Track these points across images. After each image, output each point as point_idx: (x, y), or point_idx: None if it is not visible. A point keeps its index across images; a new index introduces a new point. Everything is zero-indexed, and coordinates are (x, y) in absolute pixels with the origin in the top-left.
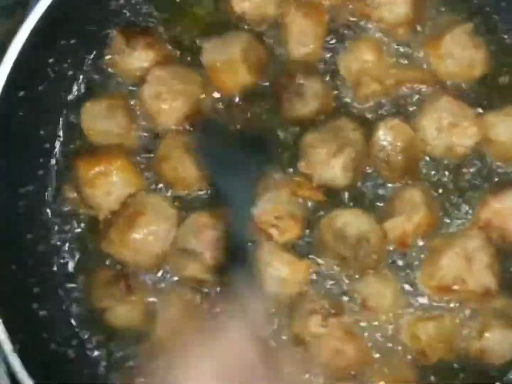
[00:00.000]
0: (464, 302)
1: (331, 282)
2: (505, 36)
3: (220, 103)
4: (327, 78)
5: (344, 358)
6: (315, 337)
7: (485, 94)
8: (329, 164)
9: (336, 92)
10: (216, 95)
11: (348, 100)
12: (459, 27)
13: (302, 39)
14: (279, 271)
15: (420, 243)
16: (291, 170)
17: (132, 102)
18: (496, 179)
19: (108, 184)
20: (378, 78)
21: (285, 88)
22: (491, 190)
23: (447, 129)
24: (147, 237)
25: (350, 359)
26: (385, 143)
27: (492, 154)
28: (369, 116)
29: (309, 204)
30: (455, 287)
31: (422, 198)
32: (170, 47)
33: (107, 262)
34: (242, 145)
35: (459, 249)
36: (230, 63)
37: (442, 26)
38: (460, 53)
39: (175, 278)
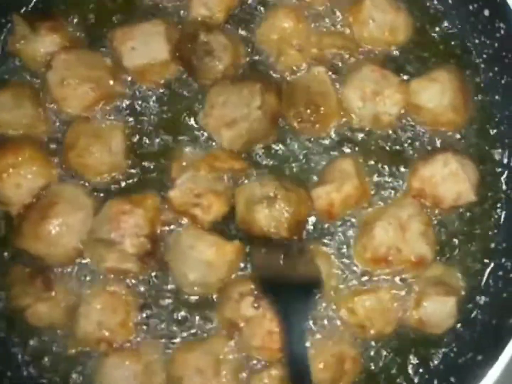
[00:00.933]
0: (400, 272)
1: None
2: (433, 6)
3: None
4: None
5: (279, 339)
6: (248, 321)
7: (410, 60)
8: (220, 132)
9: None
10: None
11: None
12: None
13: (206, 1)
14: (204, 254)
15: (353, 215)
16: (205, 146)
17: (39, 90)
18: (425, 147)
19: (17, 177)
20: (299, 46)
21: (193, 53)
22: (421, 157)
23: (371, 98)
24: (61, 228)
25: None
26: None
27: (420, 121)
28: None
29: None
30: (390, 257)
31: (354, 168)
32: (77, 31)
33: (23, 259)
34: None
35: (392, 219)
36: (159, 64)
37: None
38: (381, 18)
39: (96, 270)
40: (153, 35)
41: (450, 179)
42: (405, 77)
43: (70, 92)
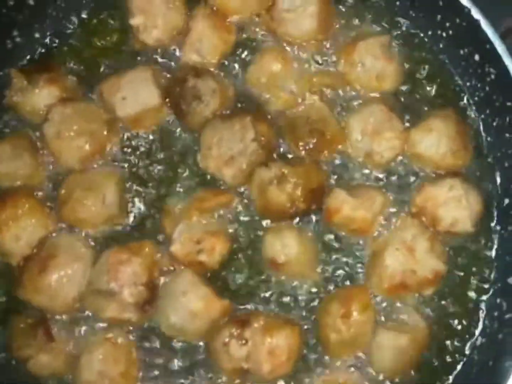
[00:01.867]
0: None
1: None
2: (425, 50)
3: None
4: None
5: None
6: (247, 358)
7: (405, 104)
8: (221, 171)
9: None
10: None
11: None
12: (375, 37)
13: (199, 47)
14: (192, 304)
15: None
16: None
17: (37, 142)
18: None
19: (16, 229)
20: (288, 88)
21: (181, 97)
22: (429, 179)
23: (371, 134)
24: (61, 280)
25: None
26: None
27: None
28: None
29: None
30: (407, 281)
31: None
32: (72, 82)
33: (25, 310)
34: None
35: (398, 244)
36: (152, 109)
37: (357, 37)
38: (371, 63)
39: (96, 320)
40: (141, 82)
41: (451, 203)
42: (407, 125)
43: (65, 144)
